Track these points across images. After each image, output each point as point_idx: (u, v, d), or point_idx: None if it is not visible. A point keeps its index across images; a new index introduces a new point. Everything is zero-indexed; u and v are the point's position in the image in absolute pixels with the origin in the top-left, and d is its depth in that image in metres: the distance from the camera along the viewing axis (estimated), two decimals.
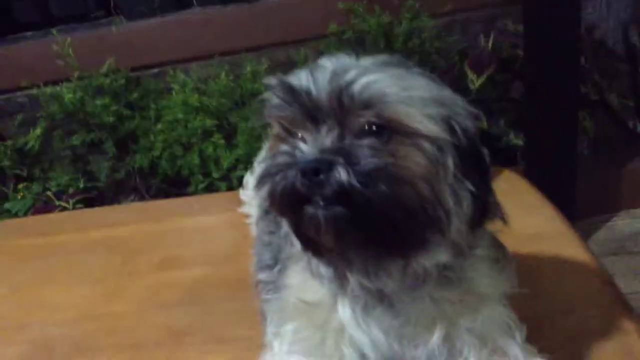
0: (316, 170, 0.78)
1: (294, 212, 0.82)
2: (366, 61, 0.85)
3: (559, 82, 2.13)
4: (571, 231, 1.38)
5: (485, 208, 0.86)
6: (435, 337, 0.91)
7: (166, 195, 2.52)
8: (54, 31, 2.59)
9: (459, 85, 2.38)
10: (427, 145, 0.81)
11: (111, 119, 2.50)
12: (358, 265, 0.85)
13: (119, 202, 2.56)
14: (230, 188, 2.36)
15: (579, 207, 2.24)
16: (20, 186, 2.57)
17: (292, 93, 0.83)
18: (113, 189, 2.59)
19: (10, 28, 2.86)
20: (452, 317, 0.92)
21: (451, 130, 0.83)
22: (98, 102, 2.50)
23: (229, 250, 1.52)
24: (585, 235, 2.25)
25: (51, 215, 2.15)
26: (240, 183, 1.75)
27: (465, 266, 0.90)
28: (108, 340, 1.26)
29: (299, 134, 0.84)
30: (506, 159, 2.35)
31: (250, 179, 1.61)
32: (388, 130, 0.81)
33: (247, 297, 1.21)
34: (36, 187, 2.54)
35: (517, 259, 1.00)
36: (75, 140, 2.56)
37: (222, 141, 2.44)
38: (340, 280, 0.90)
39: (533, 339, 0.96)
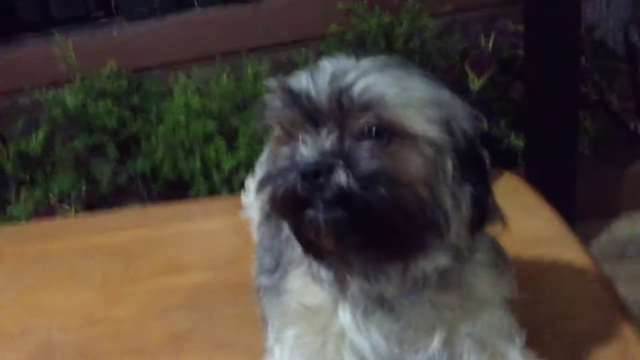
0: (316, 173, 0.78)
1: (295, 216, 0.82)
2: (366, 63, 0.85)
3: (560, 83, 2.13)
4: (571, 235, 1.38)
5: (484, 211, 0.86)
6: (436, 342, 0.91)
7: (167, 199, 2.51)
8: (54, 33, 2.59)
9: (459, 86, 2.38)
10: (426, 147, 0.81)
11: (113, 122, 2.50)
12: (358, 268, 0.85)
13: (120, 206, 2.56)
14: (232, 192, 2.36)
15: (579, 208, 2.23)
16: (23, 191, 2.57)
17: (292, 95, 0.83)
18: (115, 193, 2.59)
19: (11, 29, 2.86)
20: (452, 321, 0.92)
21: (450, 132, 0.83)
22: (100, 105, 2.50)
23: (231, 255, 1.52)
24: (585, 239, 2.24)
25: (52, 221, 2.15)
26: (241, 186, 1.74)
27: (465, 271, 0.90)
28: (110, 345, 1.26)
29: (300, 136, 0.84)
30: (507, 160, 2.35)
31: (251, 183, 1.61)
32: (387, 132, 0.81)
33: (248, 302, 1.21)
34: (38, 192, 2.54)
35: (516, 263, 1.00)
36: (77, 144, 2.56)
37: (223, 145, 2.44)
38: (341, 284, 0.90)
39: (533, 343, 0.96)
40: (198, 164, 2.43)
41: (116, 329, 1.31)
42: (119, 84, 2.56)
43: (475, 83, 2.40)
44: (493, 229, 0.92)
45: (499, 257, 0.97)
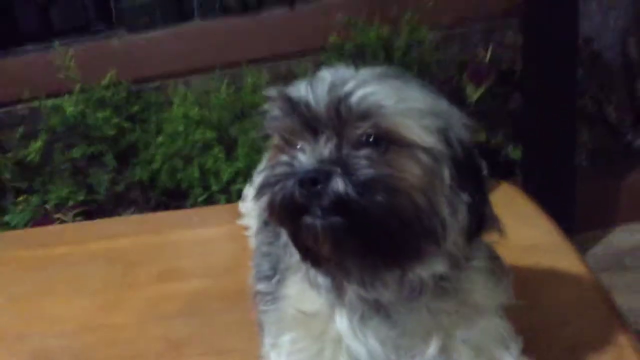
0: (314, 180, 0.79)
1: (293, 222, 0.83)
2: (364, 73, 0.86)
3: (557, 94, 2.15)
4: (567, 244, 1.38)
5: (481, 219, 0.87)
6: (432, 348, 0.91)
7: (165, 208, 2.52)
8: (55, 43, 2.60)
9: (457, 97, 2.39)
10: (423, 156, 0.82)
11: (112, 131, 2.51)
12: (355, 275, 0.86)
13: (118, 214, 2.56)
14: (230, 201, 2.36)
15: (577, 219, 2.24)
16: (20, 199, 2.57)
17: (292, 104, 0.84)
18: (112, 201, 2.59)
19: (11, 39, 2.87)
20: (449, 328, 0.92)
21: (447, 141, 0.84)
22: (99, 114, 2.51)
23: (228, 263, 1.52)
24: (582, 249, 2.25)
25: (51, 227, 2.15)
26: (239, 196, 1.75)
27: (461, 277, 0.91)
28: (107, 352, 1.26)
29: (298, 145, 0.85)
30: (505, 171, 2.36)
31: (249, 191, 1.61)
32: (385, 141, 0.82)
33: (246, 309, 1.22)
34: (35, 200, 2.54)
35: (513, 270, 1.00)
36: (76, 153, 2.57)
37: (222, 154, 2.45)
38: (338, 291, 0.90)
39: (529, 350, 0.96)
40: (196, 173, 2.44)
41: (114, 336, 1.31)
42: (118, 94, 2.57)
43: (474, 94, 2.41)
44: (490, 237, 0.92)
45: (495, 264, 0.97)
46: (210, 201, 2.45)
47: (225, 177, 2.41)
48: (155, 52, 2.70)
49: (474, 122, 0.89)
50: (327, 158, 0.81)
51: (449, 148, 0.84)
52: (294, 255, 0.92)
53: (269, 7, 2.68)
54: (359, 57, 2.45)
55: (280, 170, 0.84)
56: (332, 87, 0.83)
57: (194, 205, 2.44)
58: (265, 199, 0.85)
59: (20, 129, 2.63)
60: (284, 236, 0.93)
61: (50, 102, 2.54)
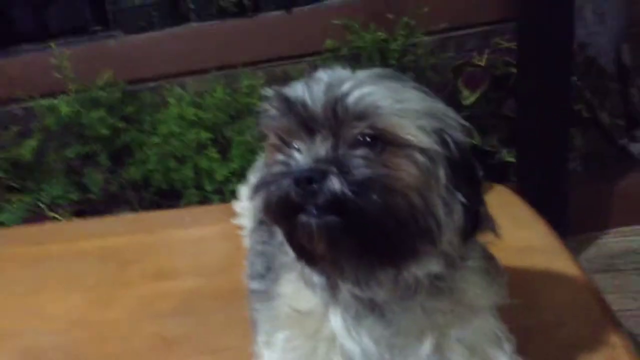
0: (310, 179, 0.79)
1: (288, 221, 0.83)
2: (361, 74, 0.86)
3: (552, 100, 2.15)
4: (561, 245, 1.39)
5: (476, 220, 0.87)
6: (426, 347, 0.91)
7: (159, 208, 2.52)
8: (51, 44, 2.60)
9: (452, 102, 2.38)
10: (419, 156, 0.82)
11: (106, 131, 2.51)
12: (350, 274, 0.86)
13: (111, 214, 2.56)
14: (224, 202, 2.36)
15: (570, 223, 2.25)
16: (13, 198, 2.56)
17: (288, 104, 0.84)
18: (106, 201, 2.59)
19: (8, 40, 2.87)
20: (443, 327, 0.92)
21: (443, 142, 0.84)
22: (94, 114, 2.51)
23: (222, 262, 1.52)
24: (575, 252, 2.27)
25: (44, 225, 2.15)
26: (233, 197, 1.75)
27: (456, 277, 0.91)
28: (100, 349, 1.26)
29: (295, 144, 0.85)
30: (498, 175, 2.36)
31: (244, 191, 1.62)
32: (381, 141, 0.82)
33: (239, 307, 1.21)
34: (28, 199, 2.54)
35: (508, 271, 1.01)
36: (70, 152, 2.57)
37: (216, 155, 2.45)
38: (332, 289, 0.90)
39: (523, 350, 0.97)
40: (190, 173, 2.44)
41: (106, 333, 1.31)
42: (113, 94, 2.57)
43: (469, 99, 2.42)
44: (485, 238, 0.93)
45: (490, 264, 0.98)
46: (204, 202, 2.45)
47: (219, 178, 2.41)
48: (151, 54, 2.70)
49: (469, 125, 0.90)
50: (323, 157, 0.81)
51: (444, 148, 0.84)
52: (289, 254, 0.92)
53: (266, 10, 2.68)
54: (354, 61, 2.46)
55: (276, 169, 0.84)
56: (329, 87, 0.83)
57: (187, 205, 2.44)
58: (261, 198, 0.85)
59: (15, 128, 2.63)
60: (279, 235, 0.93)
61: (45, 102, 2.54)
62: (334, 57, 2.48)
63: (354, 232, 0.80)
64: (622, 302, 2.12)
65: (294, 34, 2.65)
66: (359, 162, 0.81)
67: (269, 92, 0.88)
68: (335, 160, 0.81)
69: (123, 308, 1.38)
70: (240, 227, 1.57)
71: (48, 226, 2.13)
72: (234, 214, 1.63)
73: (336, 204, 0.79)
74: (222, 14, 2.71)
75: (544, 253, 1.37)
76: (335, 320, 0.93)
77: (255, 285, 1.14)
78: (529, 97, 2.20)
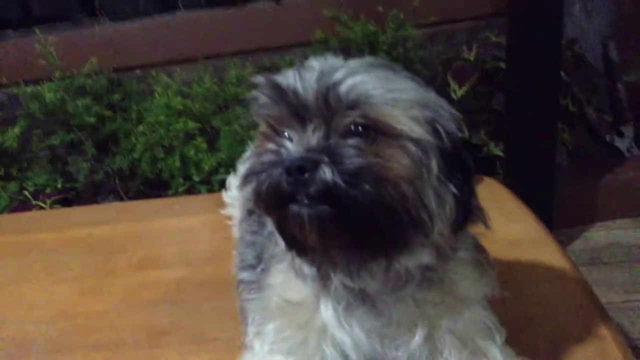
0: (301, 168, 0.78)
1: (279, 211, 0.82)
2: (354, 63, 0.86)
3: (540, 95, 2.16)
4: (550, 238, 1.40)
5: (468, 211, 0.87)
6: (417, 338, 0.91)
7: (145, 197, 2.50)
8: (36, 30, 2.57)
9: (441, 95, 2.39)
10: (411, 146, 0.81)
11: (92, 119, 2.49)
12: (341, 264, 0.86)
13: (97, 203, 2.54)
14: (211, 191, 2.35)
15: (557, 216, 2.26)
16: None
17: (280, 92, 0.83)
18: (91, 190, 2.57)
19: None
20: (434, 318, 0.92)
21: (435, 132, 0.84)
22: (79, 102, 2.48)
23: (210, 252, 1.51)
24: (561, 245, 2.29)
25: (30, 213, 2.13)
26: (221, 187, 1.74)
27: (447, 268, 0.91)
28: (86, 339, 1.24)
29: (286, 133, 0.84)
30: (486, 168, 2.37)
31: (233, 181, 1.61)
32: (373, 130, 0.81)
33: (227, 297, 1.21)
34: (13, 187, 2.51)
35: (497, 263, 1.01)
36: (55, 140, 2.54)
37: (204, 144, 2.44)
38: (323, 280, 0.90)
39: (513, 341, 0.97)
40: (178, 163, 2.42)
41: (93, 323, 1.29)
42: (99, 82, 2.55)
43: (457, 93, 2.42)
44: (476, 229, 0.93)
45: (481, 255, 0.98)
46: (191, 192, 2.44)
47: (207, 167, 2.39)
48: (138, 42, 2.68)
49: (460, 116, 0.89)
50: (315, 147, 0.80)
51: (436, 139, 0.84)
52: (279, 244, 0.91)
53: (255, 0, 2.67)
54: (344, 53, 2.45)
55: (267, 158, 0.83)
56: (321, 75, 0.82)
57: (175, 195, 2.43)
58: (251, 187, 0.84)
59: None
60: (269, 225, 0.92)
61: (29, 89, 2.51)
62: (323, 48, 2.47)
63: (345, 222, 0.79)
64: (608, 295, 2.15)
65: (283, 25, 2.64)
66: (351, 152, 0.80)
67: (260, 79, 0.87)
68: (327, 149, 0.80)
69: (110, 298, 1.37)
70: (229, 217, 1.56)
71: (32, 214, 2.10)
72: (222, 204, 1.62)
73: (328, 193, 0.78)
74: (211, 2, 2.69)
75: (532, 245, 1.37)
76: (326, 311, 0.92)
77: (245, 275, 1.13)
78: (518, 92, 2.21)
